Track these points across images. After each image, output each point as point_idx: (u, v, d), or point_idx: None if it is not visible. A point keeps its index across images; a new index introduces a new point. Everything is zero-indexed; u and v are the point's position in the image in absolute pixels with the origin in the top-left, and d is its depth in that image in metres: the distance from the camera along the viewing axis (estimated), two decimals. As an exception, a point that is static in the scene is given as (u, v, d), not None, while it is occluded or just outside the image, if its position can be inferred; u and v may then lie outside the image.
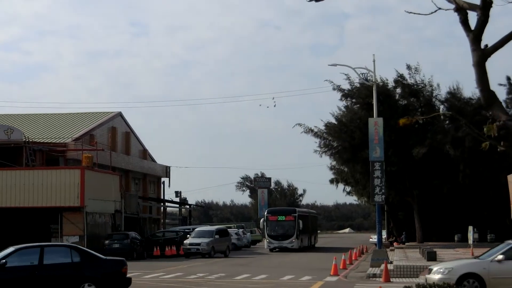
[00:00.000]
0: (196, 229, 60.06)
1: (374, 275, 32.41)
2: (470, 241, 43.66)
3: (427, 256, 36.79)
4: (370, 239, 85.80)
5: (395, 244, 65.74)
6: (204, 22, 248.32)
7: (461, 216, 64.81)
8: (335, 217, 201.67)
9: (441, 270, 23.08)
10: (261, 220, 69.83)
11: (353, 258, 46.18)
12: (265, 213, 68.73)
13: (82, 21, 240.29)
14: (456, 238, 63.44)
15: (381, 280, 30.05)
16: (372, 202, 43.22)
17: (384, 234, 69.44)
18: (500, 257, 22.88)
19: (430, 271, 23.62)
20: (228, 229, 63.78)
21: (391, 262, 36.06)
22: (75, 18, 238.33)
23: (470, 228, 44.10)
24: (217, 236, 56.44)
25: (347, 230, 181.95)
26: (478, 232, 58.26)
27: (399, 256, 43.27)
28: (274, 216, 66.23)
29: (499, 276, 22.58)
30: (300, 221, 65.23)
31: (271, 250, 64.33)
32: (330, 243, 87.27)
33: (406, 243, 65.62)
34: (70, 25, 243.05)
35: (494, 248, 24.82)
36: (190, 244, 54.74)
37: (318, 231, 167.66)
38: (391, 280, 30.20)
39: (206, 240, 54.95)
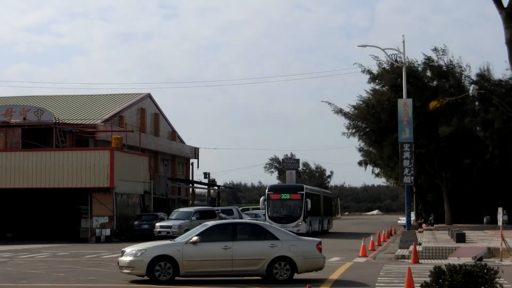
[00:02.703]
0: (174, 211, 55.92)
1: (403, 257, 32.38)
2: (500, 223, 43.40)
3: (456, 237, 36.70)
4: (399, 221, 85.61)
5: (423, 226, 65.57)
6: (235, 4, 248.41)
7: (491, 198, 64.49)
8: (363, 199, 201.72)
9: (134, 252, 22.31)
10: (261, 199, 58.22)
11: (381, 240, 46.17)
12: (266, 190, 57.84)
13: (113, 3, 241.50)
14: (485, 220, 63.23)
15: (409, 262, 29.98)
16: (401, 183, 43.07)
17: (412, 216, 69.22)
18: (195, 238, 22.37)
19: (123, 253, 22.71)
20: (216, 211, 56.23)
21: (420, 244, 36.00)
22: (106, 0, 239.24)
23: (500, 209, 43.70)
24: (194, 218, 50.80)
25: (375, 212, 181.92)
26: (508, 214, 58.04)
27: (427, 238, 43.19)
28: (277, 194, 55.94)
29: (194, 259, 22.09)
30: (309, 201, 55.67)
31: None
32: (349, 227, 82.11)
33: (435, 225, 65.43)
34: (101, 7, 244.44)
35: (191, 230, 24.32)
36: (161, 227, 50.00)
37: (346, 213, 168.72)
38: (420, 261, 30.13)
39: (178, 222, 50.03)
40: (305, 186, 59.67)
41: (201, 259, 22.17)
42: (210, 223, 24.10)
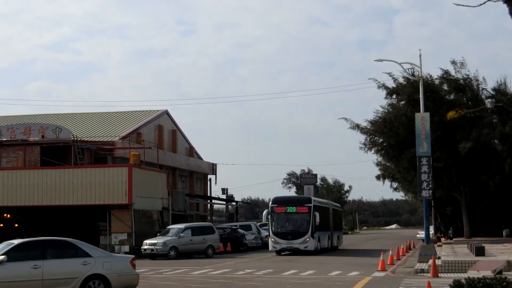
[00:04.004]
0: (168, 227, 52.89)
1: (422, 271, 32.29)
2: (519, 236, 43.32)
3: (476, 251, 36.55)
4: (418, 235, 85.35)
5: (442, 239, 65.27)
6: (252, 20, 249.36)
7: (509, 211, 64.18)
8: (381, 213, 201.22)
9: None
10: (264, 212, 52.78)
11: (400, 254, 46.06)
12: (270, 203, 52.61)
13: (131, 20, 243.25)
14: (504, 233, 62.86)
15: (429, 275, 29.92)
16: (419, 197, 42.96)
17: (431, 229, 68.91)
18: (1, 258, 20.83)
19: None
20: (213, 226, 53.67)
21: (439, 258, 35.90)
22: (124, 18, 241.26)
23: (519, 223, 43.79)
24: (183, 235, 49.00)
25: (393, 226, 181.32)
26: (527, 227, 57.77)
27: (447, 252, 43.03)
28: (282, 207, 50.24)
29: (1, 280, 20.53)
30: (317, 214, 49.83)
31: (278, 252, 50.12)
32: (364, 243, 77.21)
33: (454, 239, 65.10)
34: (118, 25, 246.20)
35: None
36: (148, 244, 47.94)
37: (364, 227, 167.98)
38: (439, 275, 30.06)
39: (163, 239, 48.01)
40: (312, 198, 54.79)
41: (9, 280, 20.78)
42: (17, 240, 22.60)
